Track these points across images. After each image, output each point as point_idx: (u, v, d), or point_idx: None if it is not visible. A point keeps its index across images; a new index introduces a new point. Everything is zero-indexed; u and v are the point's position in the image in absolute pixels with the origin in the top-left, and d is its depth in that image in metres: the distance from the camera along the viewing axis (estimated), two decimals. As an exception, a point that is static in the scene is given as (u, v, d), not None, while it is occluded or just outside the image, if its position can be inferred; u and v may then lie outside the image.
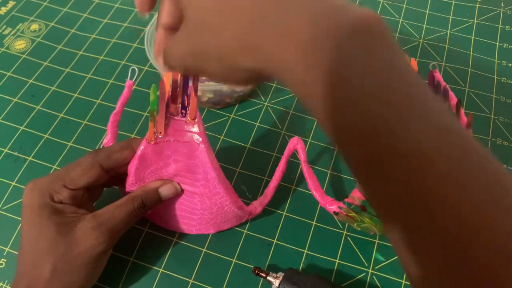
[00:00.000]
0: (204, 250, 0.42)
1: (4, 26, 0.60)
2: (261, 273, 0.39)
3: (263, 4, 0.22)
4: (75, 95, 0.53)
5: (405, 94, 0.19)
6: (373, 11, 0.21)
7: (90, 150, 0.48)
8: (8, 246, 0.43)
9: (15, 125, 0.50)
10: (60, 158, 0.48)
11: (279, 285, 0.38)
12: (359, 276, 0.41)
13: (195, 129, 0.37)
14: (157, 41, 0.31)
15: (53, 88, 0.54)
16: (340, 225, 0.44)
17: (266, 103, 0.53)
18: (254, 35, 0.22)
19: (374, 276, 0.41)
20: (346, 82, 0.20)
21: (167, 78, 0.36)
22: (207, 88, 0.48)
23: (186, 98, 0.36)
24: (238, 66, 0.24)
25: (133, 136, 0.50)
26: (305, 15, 0.21)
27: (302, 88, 0.21)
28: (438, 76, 0.43)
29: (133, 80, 0.41)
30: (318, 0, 0.21)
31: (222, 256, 0.42)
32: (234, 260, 0.42)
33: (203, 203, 0.40)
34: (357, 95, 0.20)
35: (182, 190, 0.40)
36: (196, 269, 0.41)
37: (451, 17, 0.61)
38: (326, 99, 0.20)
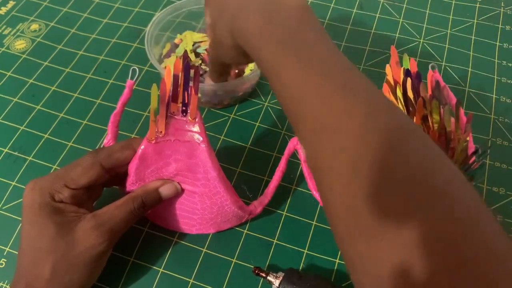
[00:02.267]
0: (204, 250, 0.42)
1: (4, 26, 0.60)
2: (261, 273, 0.39)
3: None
4: (75, 95, 0.53)
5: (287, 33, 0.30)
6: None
7: (90, 150, 0.48)
8: (8, 246, 0.43)
9: (15, 125, 0.50)
10: (60, 158, 0.48)
11: (279, 285, 0.38)
12: (359, 276, 0.41)
13: (196, 128, 0.37)
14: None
15: (53, 88, 0.54)
16: (340, 225, 0.44)
17: (266, 103, 0.53)
18: (236, 23, 0.33)
19: (374, 276, 0.41)
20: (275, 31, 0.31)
21: (168, 78, 0.36)
22: (213, 87, 0.48)
23: (186, 98, 0.36)
24: (228, 45, 0.35)
25: (133, 136, 0.50)
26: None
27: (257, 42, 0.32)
28: (438, 76, 0.43)
29: (134, 80, 0.41)
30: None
31: (222, 256, 0.42)
32: (234, 260, 0.42)
33: (204, 203, 0.40)
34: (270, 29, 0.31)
35: (183, 190, 0.40)
36: (196, 269, 0.41)
37: (451, 17, 0.61)
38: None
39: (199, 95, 0.49)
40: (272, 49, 0.30)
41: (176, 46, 0.55)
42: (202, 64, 0.54)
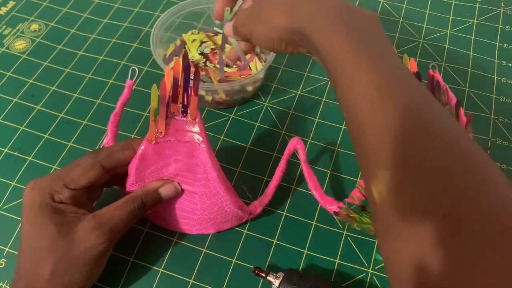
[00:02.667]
0: (204, 250, 0.42)
1: (4, 26, 0.60)
2: (261, 273, 0.39)
3: None
4: (75, 95, 0.53)
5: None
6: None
7: (90, 150, 0.48)
8: (8, 246, 0.43)
9: (15, 125, 0.50)
10: (60, 158, 0.48)
11: (279, 285, 0.38)
12: (359, 276, 0.41)
13: (196, 129, 0.37)
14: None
15: (53, 88, 0.54)
16: (340, 225, 0.44)
17: (266, 103, 0.53)
18: (307, 23, 0.32)
19: (374, 276, 0.41)
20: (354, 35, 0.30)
21: (168, 78, 0.36)
22: (217, 88, 0.48)
23: (186, 98, 0.36)
24: (278, 25, 0.34)
25: (133, 136, 0.50)
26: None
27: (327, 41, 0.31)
28: (438, 76, 0.43)
29: (133, 80, 0.41)
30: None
31: (222, 256, 0.42)
32: (234, 260, 0.42)
33: (203, 203, 0.40)
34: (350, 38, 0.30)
35: (183, 190, 0.40)
36: (196, 269, 0.41)
37: (451, 17, 0.61)
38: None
39: (203, 92, 0.49)
40: (347, 55, 0.30)
41: (181, 46, 0.55)
42: (207, 62, 0.54)
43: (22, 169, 0.47)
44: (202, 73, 0.52)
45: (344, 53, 0.29)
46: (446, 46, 0.58)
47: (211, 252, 0.42)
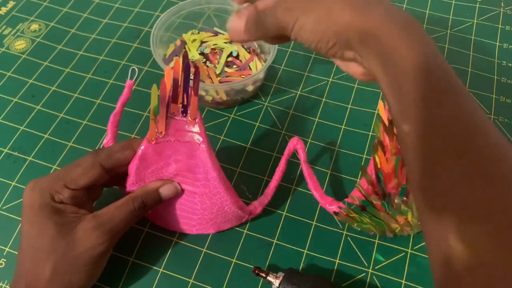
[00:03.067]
0: (204, 250, 0.42)
1: (4, 26, 0.60)
2: (261, 273, 0.39)
3: None
4: (75, 95, 0.53)
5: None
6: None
7: (90, 150, 0.48)
8: (8, 246, 0.43)
9: (15, 125, 0.50)
10: (60, 158, 0.48)
11: (279, 285, 0.38)
12: (359, 276, 0.41)
13: (196, 129, 0.37)
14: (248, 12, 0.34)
15: (53, 88, 0.54)
16: (340, 225, 0.44)
17: (266, 103, 0.53)
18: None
19: (374, 276, 0.41)
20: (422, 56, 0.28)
21: (168, 78, 0.36)
22: (220, 87, 0.48)
23: (186, 98, 0.36)
24: (338, 19, 0.30)
25: (133, 136, 0.50)
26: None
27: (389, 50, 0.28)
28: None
29: (133, 80, 0.41)
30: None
31: (222, 256, 0.42)
32: (234, 260, 0.42)
33: (204, 203, 0.40)
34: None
35: (183, 190, 0.40)
36: (196, 269, 0.41)
37: (451, 17, 0.61)
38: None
39: (203, 93, 0.49)
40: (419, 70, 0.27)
41: (181, 46, 0.55)
42: (207, 63, 0.54)
43: (22, 169, 0.47)
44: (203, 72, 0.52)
45: (416, 68, 0.27)
46: (446, 46, 0.58)
47: (211, 252, 0.42)
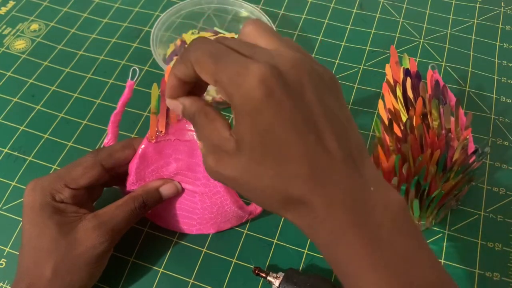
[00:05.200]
0: (204, 250, 0.42)
1: (4, 26, 0.60)
2: (261, 273, 0.39)
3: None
4: (75, 95, 0.53)
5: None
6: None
7: (90, 150, 0.48)
8: (8, 246, 0.43)
9: (15, 125, 0.50)
10: (60, 158, 0.48)
11: (279, 285, 0.38)
12: (360, 276, 0.41)
13: (196, 128, 0.37)
14: (169, 85, 0.30)
15: (53, 88, 0.54)
16: (340, 225, 0.44)
17: (266, 103, 0.52)
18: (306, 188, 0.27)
19: (374, 276, 0.41)
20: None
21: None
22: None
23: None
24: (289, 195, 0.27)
25: (133, 136, 0.50)
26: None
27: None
28: (438, 76, 0.44)
29: (134, 80, 0.41)
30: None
31: (222, 256, 0.42)
32: (234, 260, 0.42)
33: (204, 203, 0.40)
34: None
35: (183, 189, 0.40)
36: (196, 269, 0.41)
37: (451, 17, 0.61)
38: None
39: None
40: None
41: (181, 46, 0.55)
42: None
43: (22, 169, 0.47)
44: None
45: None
46: (446, 46, 0.58)
47: (211, 252, 0.42)
